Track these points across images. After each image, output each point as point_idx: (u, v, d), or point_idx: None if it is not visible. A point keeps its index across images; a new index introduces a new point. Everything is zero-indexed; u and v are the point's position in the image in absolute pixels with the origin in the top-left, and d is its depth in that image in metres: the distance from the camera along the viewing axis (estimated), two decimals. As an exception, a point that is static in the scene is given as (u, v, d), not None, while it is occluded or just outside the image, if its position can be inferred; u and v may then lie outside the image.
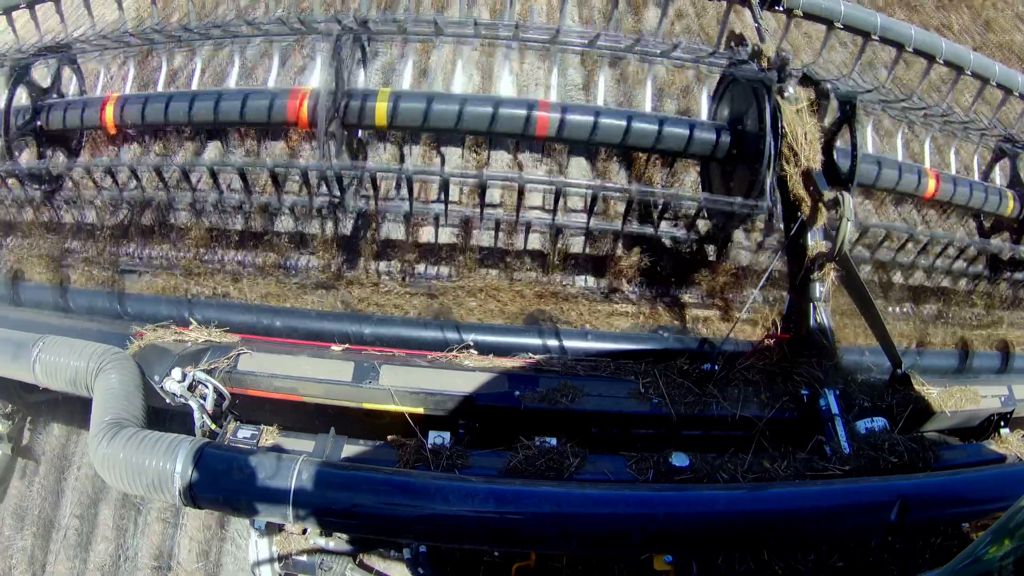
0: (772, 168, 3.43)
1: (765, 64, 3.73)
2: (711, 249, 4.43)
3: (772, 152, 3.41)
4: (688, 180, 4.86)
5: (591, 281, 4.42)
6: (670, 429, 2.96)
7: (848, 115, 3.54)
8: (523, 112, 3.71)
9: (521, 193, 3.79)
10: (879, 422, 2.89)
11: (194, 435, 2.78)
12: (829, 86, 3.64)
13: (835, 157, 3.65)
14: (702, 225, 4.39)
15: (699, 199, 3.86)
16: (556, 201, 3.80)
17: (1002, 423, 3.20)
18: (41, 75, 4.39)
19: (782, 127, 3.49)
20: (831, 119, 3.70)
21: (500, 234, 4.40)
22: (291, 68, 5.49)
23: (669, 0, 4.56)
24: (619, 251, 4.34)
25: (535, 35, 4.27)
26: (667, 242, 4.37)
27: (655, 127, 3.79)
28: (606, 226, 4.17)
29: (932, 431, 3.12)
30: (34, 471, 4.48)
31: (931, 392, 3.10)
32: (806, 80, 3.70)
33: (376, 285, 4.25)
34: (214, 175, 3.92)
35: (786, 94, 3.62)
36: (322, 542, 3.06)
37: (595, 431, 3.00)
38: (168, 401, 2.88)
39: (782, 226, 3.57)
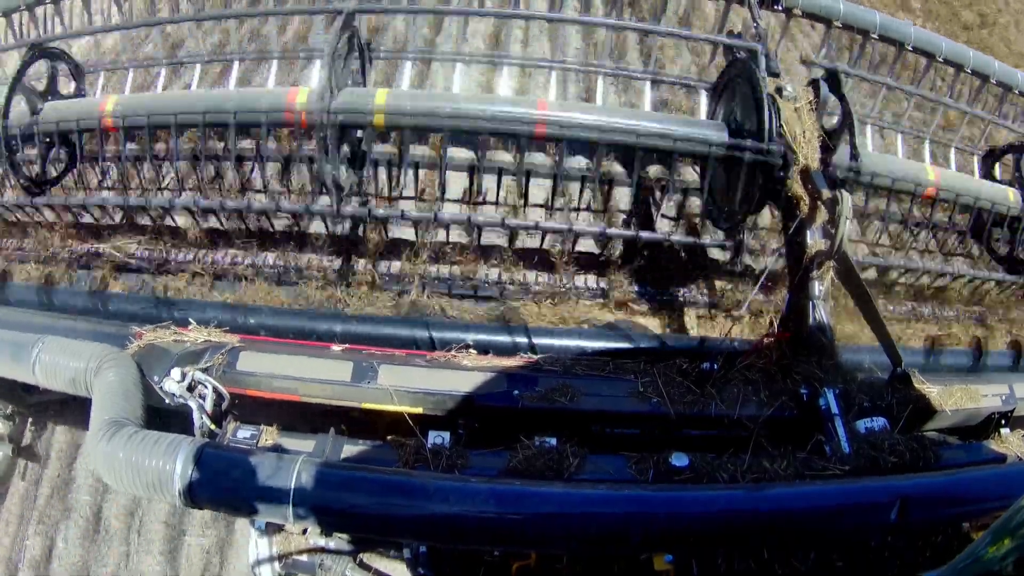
0: (776, 114, 3.42)
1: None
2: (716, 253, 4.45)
3: (771, 108, 3.42)
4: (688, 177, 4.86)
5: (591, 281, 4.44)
6: (669, 429, 2.95)
7: (835, 89, 3.54)
8: (521, 112, 3.71)
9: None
10: (879, 422, 2.89)
11: (194, 435, 2.78)
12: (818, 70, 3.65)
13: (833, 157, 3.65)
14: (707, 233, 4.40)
15: (708, 153, 3.78)
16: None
17: (1003, 422, 3.20)
18: (39, 77, 4.39)
19: (780, 125, 3.49)
20: (830, 120, 3.71)
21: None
22: (290, 68, 5.51)
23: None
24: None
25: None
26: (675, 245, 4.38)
27: (653, 126, 3.78)
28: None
29: (932, 430, 3.12)
30: (36, 471, 4.50)
31: (931, 391, 3.09)
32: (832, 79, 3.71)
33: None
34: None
35: (784, 93, 3.62)
36: (322, 542, 3.06)
37: (595, 430, 3.00)
38: (167, 401, 2.88)
39: (793, 172, 3.55)
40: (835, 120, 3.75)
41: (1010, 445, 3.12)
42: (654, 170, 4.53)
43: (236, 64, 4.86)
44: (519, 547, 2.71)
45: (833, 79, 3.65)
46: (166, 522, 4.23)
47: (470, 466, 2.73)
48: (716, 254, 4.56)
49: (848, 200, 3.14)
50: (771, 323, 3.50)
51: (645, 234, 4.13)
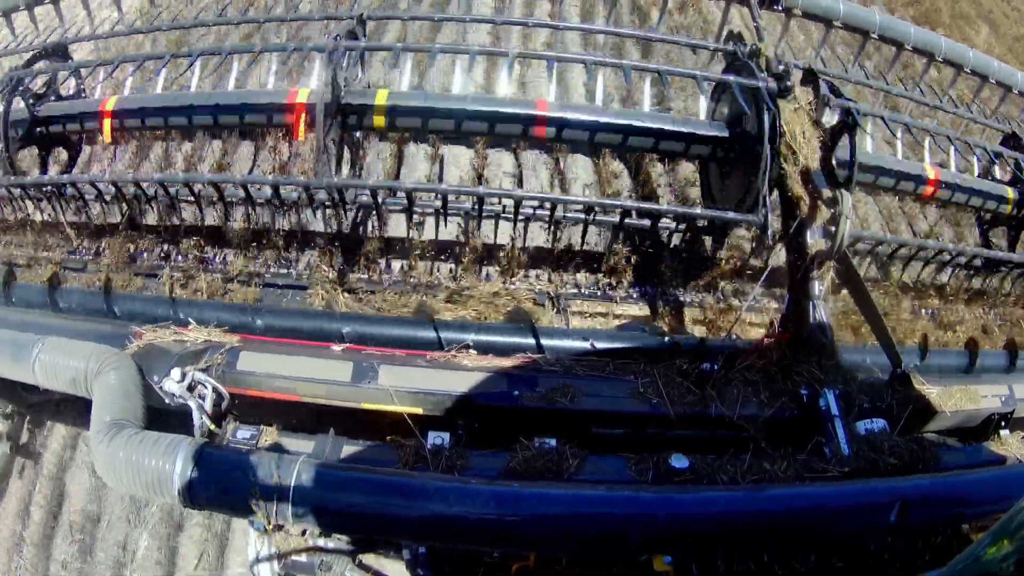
0: (767, 181, 3.42)
1: (763, 65, 3.69)
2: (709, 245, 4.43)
3: (768, 166, 3.39)
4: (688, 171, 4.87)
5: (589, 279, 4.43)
6: (668, 429, 2.95)
7: (849, 127, 3.50)
8: (521, 113, 3.71)
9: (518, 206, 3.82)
10: (879, 423, 2.88)
11: (193, 435, 2.78)
12: (830, 96, 3.59)
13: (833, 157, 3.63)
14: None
15: (693, 213, 3.87)
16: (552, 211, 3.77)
17: (1002, 423, 3.19)
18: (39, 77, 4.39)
19: (780, 128, 3.48)
20: (829, 118, 3.69)
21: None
22: (290, 67, 5.50)
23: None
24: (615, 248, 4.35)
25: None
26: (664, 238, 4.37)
27: (652, 127, 3.78)
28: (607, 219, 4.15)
29: (932, 431, 3.12)
30: (33, 469, 4.50)
31: (931, 392, 3.09)
32: (809, 76, 3.67)
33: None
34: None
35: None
36: (321, 542, 3.06)
37: (595, 431, 2.99)
38: (167, 401, 2.88)
39: (771, 241, 3.59)
40: (835, 118, 3.74)
41: (1009, 447, 3.12)
42: (655, 168, 4.54)
43: (235, 63, 4.85)
44: (518, 548, 2.71)
45: (851, 119, 3.60)
46: (164, 519, 4.23)
47: (470, 467, 2.73)
48: (716, 253, 4.55)
49: (848, 199, 3.14)
50: (771, 323, 3.49)
51: (638, 204, 4.06)
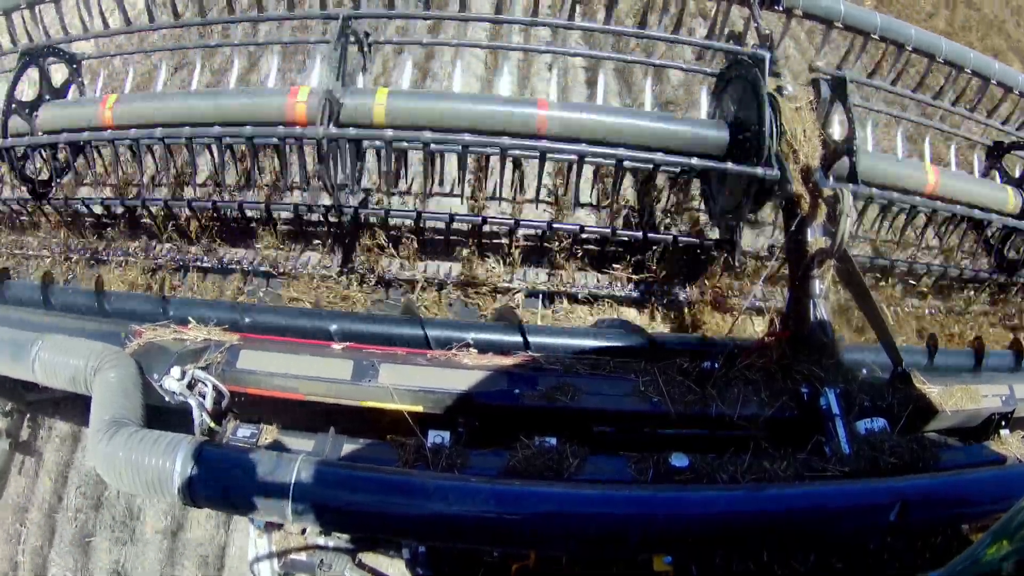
0: (775, 136, 3.43)
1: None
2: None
3: (772, 126, 3.42)
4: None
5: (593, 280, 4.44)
6: (668, 428, 2.95)
7: (840, 97, 3.53)
8: (522, 111, 3.70)
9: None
10: (879, 423, 2.88)
11: (193, 434, 2.77)
12: (822, 75, 3.63)
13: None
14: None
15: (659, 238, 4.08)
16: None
17: (1003, 423, 3.18)
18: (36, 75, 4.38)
19: (780, 124, 3.48)
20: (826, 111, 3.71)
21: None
22: (290, 66, 5.51)
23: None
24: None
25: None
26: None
27: (653, 126, 3.78)
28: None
29: (932, 431, 3.11)
30: (33, 466, 4.50)
31: (932, 391, 3.08)
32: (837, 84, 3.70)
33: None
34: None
35: (785, 92, 3.61)
36: (321, 541, 3.06)
37: (596, 430, 2.99)
38: (167, 399, 2.88)
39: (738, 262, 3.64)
40: (837, 128, 3.75)
41: (1010, 446, 3.11)
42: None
43: (236, 61, 4.85)
44: (518, 547, 2.71)
45: (841, 88, 3.64)
46: (163, 519, 4.23)
47: (470, 465, 2.72)
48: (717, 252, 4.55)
49: (849, 198, 3.14)
50: (772, 322, 3.49)
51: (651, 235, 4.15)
